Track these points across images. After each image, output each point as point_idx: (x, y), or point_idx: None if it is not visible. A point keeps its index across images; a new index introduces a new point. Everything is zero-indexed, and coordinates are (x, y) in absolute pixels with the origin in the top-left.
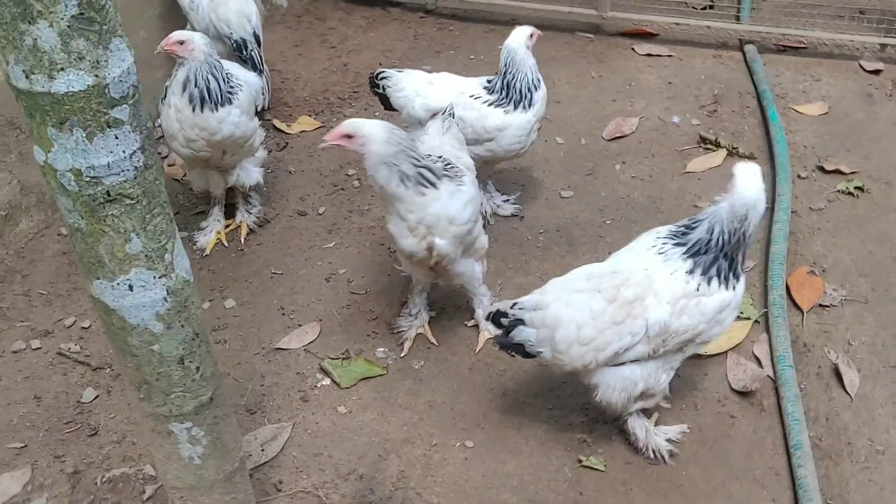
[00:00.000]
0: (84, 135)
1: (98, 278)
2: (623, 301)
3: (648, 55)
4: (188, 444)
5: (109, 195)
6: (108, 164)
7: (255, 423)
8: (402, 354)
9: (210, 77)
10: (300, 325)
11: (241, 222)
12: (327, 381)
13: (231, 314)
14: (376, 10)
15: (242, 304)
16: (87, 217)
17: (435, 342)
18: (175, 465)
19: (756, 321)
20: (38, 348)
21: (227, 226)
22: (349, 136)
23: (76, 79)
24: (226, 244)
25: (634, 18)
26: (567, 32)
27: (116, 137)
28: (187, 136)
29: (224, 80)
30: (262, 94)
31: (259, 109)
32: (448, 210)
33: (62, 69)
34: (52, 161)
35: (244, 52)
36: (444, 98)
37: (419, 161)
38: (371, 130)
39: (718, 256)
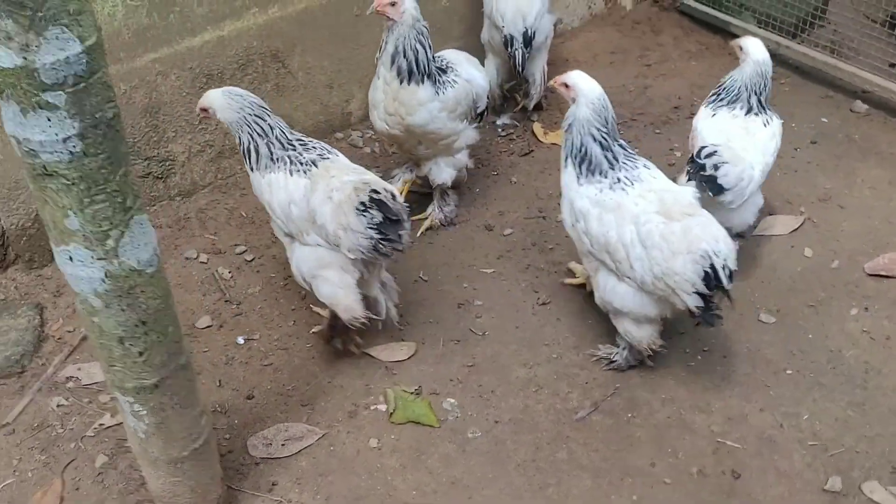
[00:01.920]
0: (18, 109)
1: (50, 238)
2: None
3: None
4: (131, 416)
5: (46, 170)
6: (41, 142)
7: (296, 416)
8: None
9: (418, 46)
10: (402, 340)
11: (430, 215)
12: (382, 408)
13: None
14: (714, 39)
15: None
16: (32, 182)
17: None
18: (126, 428)
19: None
20: (203, 262)
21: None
22: None
23: (5, 55)
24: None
25: None
26: None
27: (49, 119)
28: (388, 108)
29: (430, 49)
30: (488, 97)
31: (479, 113)
32: None
33: None
34: (3, 122)
35: (509, 49)
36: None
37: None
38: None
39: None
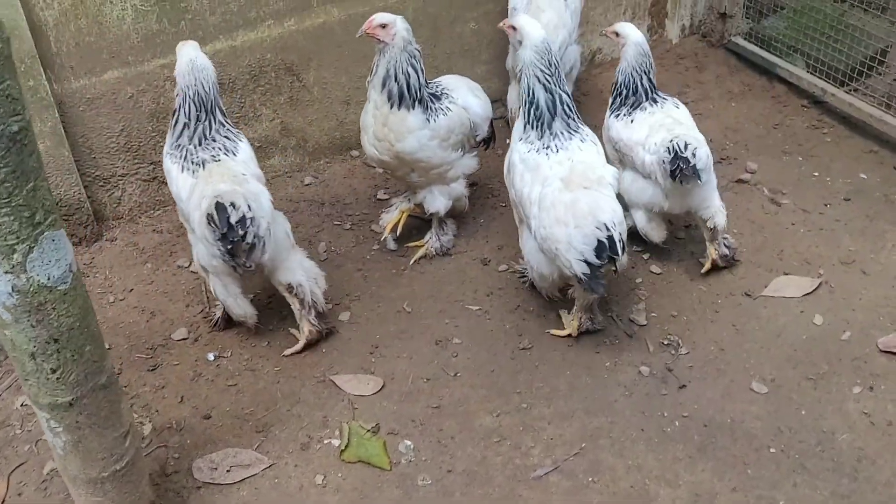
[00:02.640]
0: None
1: None
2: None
3: None
4: (48, 432)
5: None
6: None
7: (249, 442)
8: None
9: (409, 70)
10: (371, 373)
11: (426, 243)
12: (336, 442)
13: (335, 323)
14: (759, 80)
15: (351, 323)
16: None
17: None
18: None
19: None
20: (194, 272)
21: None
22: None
23: None
24: (398, 231)
25: None
26: None
27: None
28: (377, 133)
29: (422, 73)
30: (490, 124)
31: (481, 141)
32: None
33: None
34: None
35: None
36: None
37: None
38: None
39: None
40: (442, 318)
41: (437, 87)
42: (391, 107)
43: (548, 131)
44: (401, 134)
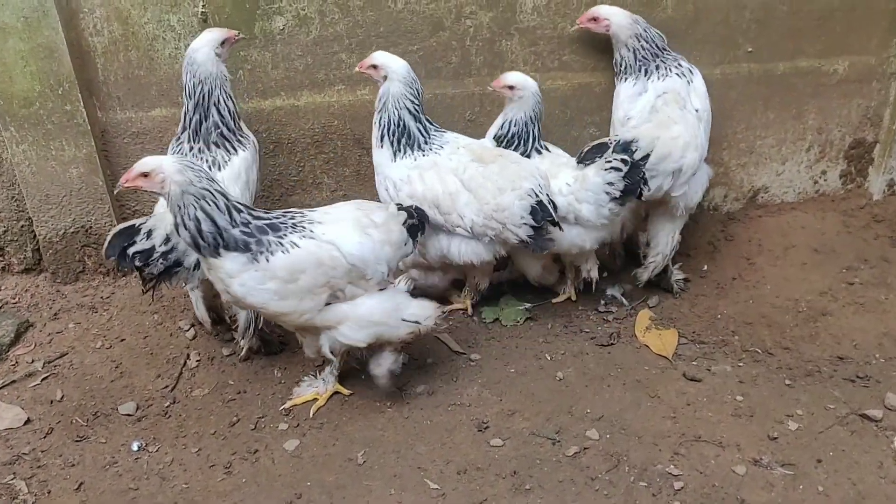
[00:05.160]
0: None
1: None
2: None
3: None
4: None
5: None
6: None
7: None
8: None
9: (200, 215)
10: None
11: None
12: None
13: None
14: None
15: (296, 456)
16: None
17: None
18: None
19: None
20: (189, 337)
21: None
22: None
23: None
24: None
25: None
26: None
27: None
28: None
29: (223, 211)
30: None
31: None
32: None
33: None
34: None
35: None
36: None
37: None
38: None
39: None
40: (390, 487)
41: (284, 217)
42: (202, 256)
43: (424, 145)
44: (222, 281)
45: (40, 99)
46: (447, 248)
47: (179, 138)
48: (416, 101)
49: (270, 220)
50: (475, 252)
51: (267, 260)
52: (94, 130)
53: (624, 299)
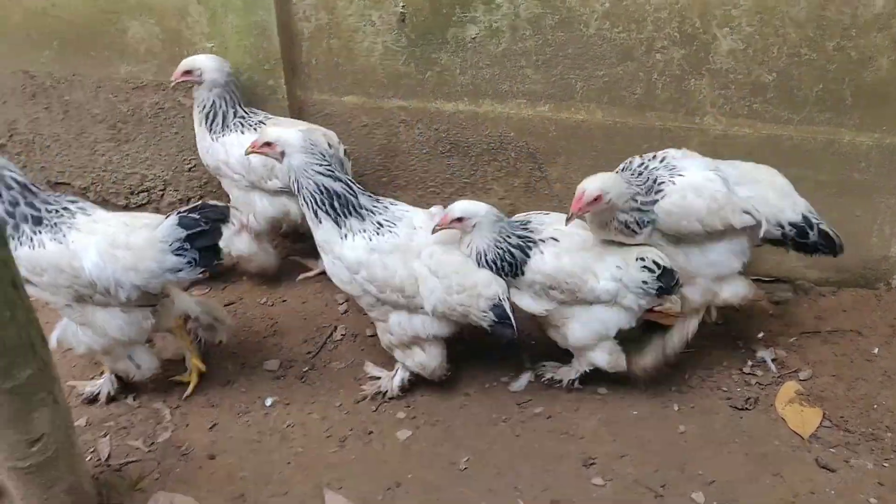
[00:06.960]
0: None
1: None
2: None
3: None
4: None
5: None
6: None
7: None
8: None
9: None
10: None
11: None
12: None
13: None
14: None
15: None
16: None
17: None
18: None
19: None
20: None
21: None
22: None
23: None
24: None
25: None
26: None
27: None
28: None
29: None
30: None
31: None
32: None
33: None
34: None
35: None
36: None
37: None
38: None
39: None
40: (483, 500)
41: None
42: None
43: (363, 210)
44: None
45: (249, 71)
46: (400, 333)
47: None
48: (326, 163)
49: (41, 212)
50: (435, 327)
51: (19, 245)
52: (291, 106)
53: (773, 365)
